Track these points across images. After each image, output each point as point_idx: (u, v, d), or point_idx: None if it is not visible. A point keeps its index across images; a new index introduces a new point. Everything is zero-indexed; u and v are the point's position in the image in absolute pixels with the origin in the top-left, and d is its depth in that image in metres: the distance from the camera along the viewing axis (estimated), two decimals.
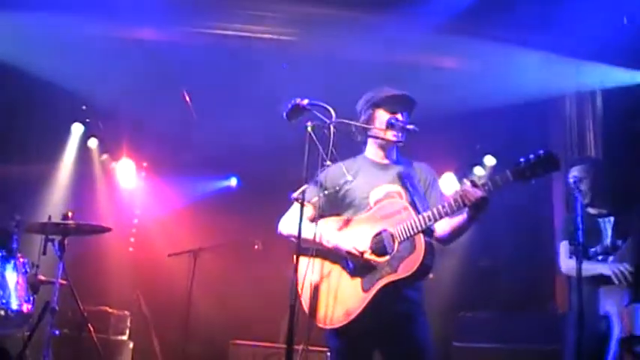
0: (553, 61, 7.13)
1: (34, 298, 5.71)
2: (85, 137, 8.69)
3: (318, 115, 3.73)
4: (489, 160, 8.52)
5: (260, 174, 8.19)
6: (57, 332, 5.74)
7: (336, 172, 3.99)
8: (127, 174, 8.90)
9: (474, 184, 3.63)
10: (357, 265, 3.80)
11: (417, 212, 3.79)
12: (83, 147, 8.71)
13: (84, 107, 8.39)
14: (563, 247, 5.29)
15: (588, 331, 4.67)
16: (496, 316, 6.94)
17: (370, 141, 4.17)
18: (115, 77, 7.41)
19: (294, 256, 3.64)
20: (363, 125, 4.06)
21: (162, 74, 7.55)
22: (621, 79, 7.07)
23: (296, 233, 3.68)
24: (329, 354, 4.03)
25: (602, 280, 4.97)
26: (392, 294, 3.73)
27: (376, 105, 4.08)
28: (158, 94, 7.71)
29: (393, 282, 3.70)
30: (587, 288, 4.93)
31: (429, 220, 3.71)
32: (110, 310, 7.20)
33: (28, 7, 6.73)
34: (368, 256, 3.77)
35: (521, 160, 3.52)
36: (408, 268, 3.68)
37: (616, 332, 4.90)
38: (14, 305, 5.48)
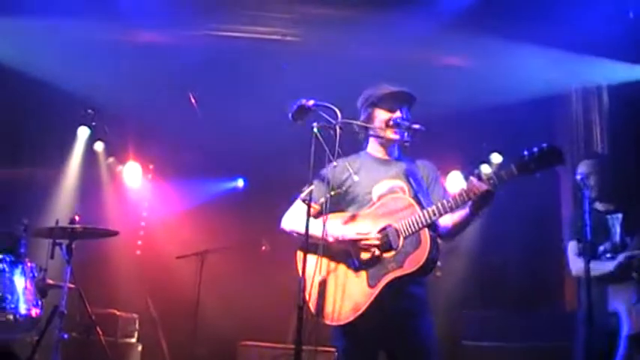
0: (559, 57, 7.11)
1: (42, 303, 5.71)
2: (92, 141, 8.68)
3: (324, 115, 3.72)
4: (496, 158, 8.50)
5: (267, 175, 8.18)
6: (65, 336, 5.76)
7: (340, 171, 3.99)
8: (133, 177, 8.90)
9: (479, 178, 3.64)
10: (362, 262, 3.81)
11: (421, 207, 3.79)
12: (89, 150, 8.70)
13: (90, 111, 8.38)
14: (572, 247, 5.26)
15: (598, 329, 4.66)
16: (505, 314, 6.94)
17: (372, 138, 4.17)
18: (121, 80, 7.41)
19: (301, 256, 3.65)
20: (366, 125, 4.06)
21: (168, 77, 7.55)
22: (627, 75, 7.05)
23: (298, 229, 3.74)
24: (336, 354, 4.01)
25: (611, 278, 4.96)
26: (397, 290, 3.74)
27: (374, 104, 4.10)
28: (164, 96, 7.71)
29: (398, 277, 3.70)
30: (597, 286, 4.90)
31: (434, 214, 3.71)
32: (118, 313, 7.21)
33: (35, 11, 6.75)
34: (373, 236, 3.76)
35: (525, 153, 3.55)
36: (414, 263, 3.69)
37: (625, 330, 4.89)
38: (23, 310, 5.48)
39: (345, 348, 3.89)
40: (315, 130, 3.69)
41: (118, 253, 8.21)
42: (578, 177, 4.89)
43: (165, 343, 7.86)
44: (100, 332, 6.26)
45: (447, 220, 3.89)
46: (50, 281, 5.90)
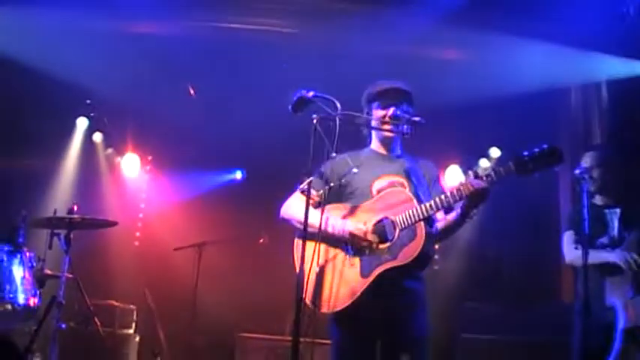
0: (558, 52, 7.10)
1: (40, 292, 5.70)
2: (90, 131, 8.70)
3: (324, 107, 3.73)
4: (495, 152, 8.52)
5: (265, 167, 8.18)
6: (63, 326, 5.77)
7: (341, 164, 4.01)
8: (132, 168, 8.90)
9: (476, 176, 3.66)
10: (356, 251, 3.83)
11: (420, 203, 3.80)
12: (88, 141, 8.71)
13: (88, 101, 8.39)
14: (568, 236, 5.28)
15: (595, 322, 4.68)
16: (503, 307, 6.95)
17: (374, 134, 4.22)
18: (120, 71, 7.41)
19: (299, 245, 3.66)
20: (365, 117, 4.07)
21: (167, 68, 7.54)
22: (626, 70, 7.05)
23: (298, 217, 3.77)
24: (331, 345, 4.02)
25: (608, 270, 4.97)
26: (392, 282, 3.76)
27: (370, 101, 4.15)
28: (163, 87, 7.70)
29: (392, 269, 3.72)
30: (593, 279, 4.92)
31: (431, 208, 3.73)
32: (116, 304, 7.21)
33: (33, 1, 6.74)
34: (370, 236, 3.79)
35: (525, 153, 3.56)
36: (407, 255, 3.72)
37: (621, 323, 4.90)
38: (21, 299, 5.48)
39: (340, 339, 3.90)
40: (315, 121, 3.69)
41: (116, 243, 8.22)
42: (577, 171, 4.90)
43: (162, 334, 7.86)
44: (98, 323, 6.28)
45: (441, 220, 3.94)
46: (48, 271, 5.90)
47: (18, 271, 5.54)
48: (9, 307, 5.40)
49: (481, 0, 6.72)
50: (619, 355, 4.86)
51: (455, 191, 3.70)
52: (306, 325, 3.57)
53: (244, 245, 7.57)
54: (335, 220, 3.87)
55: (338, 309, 3.78)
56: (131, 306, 7.37)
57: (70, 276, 5.86)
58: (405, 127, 4.05)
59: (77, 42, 7.13)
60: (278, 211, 4.15)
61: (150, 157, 9.04)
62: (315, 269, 3.77)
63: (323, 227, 3.75)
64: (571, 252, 5.23)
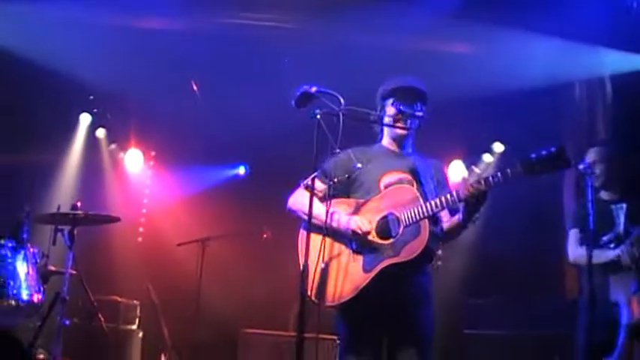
0: (562, 46, 7.08)
1: (44, 288, 5.70)
2: (93, 127, 8.70)
3: (327, 102, 3.72)
4: (498, 147, 8.51)
5: (268, 162, 8.18)
6: (67, 322, 5.78)
7: (344, 160, 4.01)
8: (135, 164, 8.91)
9: (478, 182, 3.66)
10: (359, 246, 3.84)
11: (426, 201, 3.80)
12: (91, 137, 8.72)
13: (91, 97, 8.39)
14: (573, 235, 5.27)
15: (600, 318, 4.68)
16: (506, 302, 6.94)
17: (385, 131, 4.21)
18: (123, 67, 7.40)
19: (304, 237, 3.66)
20: (370, 112, 4.06)
21: (170, 63, 7.54)
22: (631, 65, 7.03)
23: (304, 209, 3.76)
24: (338, 342, 4.03)
25: (612, 267, 4.96)
26: (397, 276, 3.76)
27: (385, 97, 4.14)
28: (166, 83, 7.70)
29: (394, 265, 3.73)
30: (598, 275, 4.91)
31: (436, 207, 3.74)
32: (120, 300, 7.22)
33: None
34: (371, 237, 3.80)
35: (533, 155, 3.55)
36: (410, 252, 3.72)
37: (624, 319, 4.90)
38: (25, 295, 5.48)
39: (347, 336, 3.91)
40: (318, 116, 3.68)
41: (120, 239, 8.23)
42: (581, 166, 4.88)
43: (166, 330, 7.85)
44: (102, 318, 6.29)
45: (446, 221, 3.97)
46: (52, 267, 5.91)
47: (22, 267, 5.54)
48: (13, 303, 5.40)
49: None
50: (622, 350, 4.86)
51: (458, 192, 3.70)
52: (310, 320, 3.57)
53: (247, 240, 7.56)
54: (339, 215, 3.88)
55: (340, 302, 3.79)
56: (135, 302, 7.38)
57: (74, 272, 5.85)
58: (409, 121, 4.07)
59: (80, 37, 7.13)
60: (282, 205, 4.15)
61: (153, 153, 9.04)
62: (320, 263, 3.77)
63: (328, 222, 3.76)
64: (575, 251, 5.22)
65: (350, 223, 3.83)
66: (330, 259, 3.86)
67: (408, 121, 4.07)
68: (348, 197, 4.02)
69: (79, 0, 6.81)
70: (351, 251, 3.86)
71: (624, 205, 5.14)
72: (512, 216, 7.62)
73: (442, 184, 4.12)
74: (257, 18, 7.45)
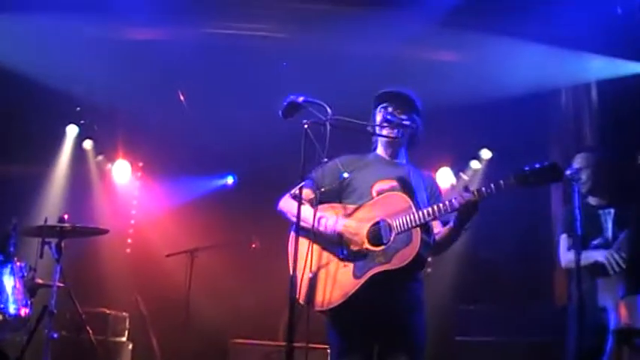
0: (548, 53, 7.12)
1: (31, 302, 5.68)
2: (80, 139, 8.66)
3: (314, 112, 3.72)
4: (486, 154, 8.53)
5: (257, 172, 8.18)
6: (55, 335, 5.75)
7: (332, 168, 4.01)
8: (123, 175, 8.88)
9: (471, 192, 3.69)
10: (350, 252, 3.83)
11: (418, 210, 3.81)
12: (78, 148, 8.68)
13: (78, 109, 8.36)
14: (564, 240, 5.29)
15: (589, 323, 4.69)
16: (497, 309, 6.95)
17: (379, 140, 4.23)
18: (110, 78, 7.38)
19: (293, 243, 3.66)
20: (357, 121, 4.06)
21: (157, 74, 7.53)
22: (616, 71, 7.06)
23: (293, 211, 3.76)
24: (329, 351, 4.02)
25: (599, 271, 4.97)
26: (386, 285, 3.75)
27: (374, 105, 4.18)
28: (153, 93, 7.68)
29: (385, 272, 3.72)
30: (587, 280, 4.93)
31: (428, 215, 3.74)
32: (108, 312, 7.17)
33: (23, 8, 6.71)
34: (361, 240, 3.80)
35: (526, 168, 3.61)
36: (402, 259, 3.71)
37: (612, 324, 4.91)
38: (12, 309, 5.45)
39: (338, 342, 3.90)
40: (306, 126, 3.68)
41: (108, 251, 8.20)
42: (568, 172, 4.90)
43: (155, 342, 7.83)
44: (90, 331, 6.24)
45: (438, 232, 3.99)
46: (39, 280, 5.86)
47: (9, 281, 5.52)
48: (0, 317, 5.37)
49: (471, 2, 6.72)
50: (611, 356, 4.87)
51: (451, 202, 3.72)
52: (299, 330, 3.55)
53: (236, 251, 7.54)
54: (327, 219, 3.88)
55: (329, 308, 3.77)
56: (124, 313, 7.33)
57: (62, 285, 5.82)
58: (398, 131, 4.09)
59: (66, 48, 7.10)
60: (271, 215, 4.14)
61: (141, 164, 9.02)
62: (310, 269, 3.77)
63: (316, 226, 3.76)
64: (566, 256, 5.24)
65: (337, 227, 3.83)
66: (320, 264, 3.85)
67: (395, 130, 4.08)
68: (340, 203, 4.01)
69: (65, 11, 6.78)
70: (341, 257, 3.85)
71: (612, 211, 5.16)
72: (502, 223, 7.64)
73: (435, 195, 4.12)
74: (246, 28, 7.46)
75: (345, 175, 3.98)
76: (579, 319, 4.56)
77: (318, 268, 3.84)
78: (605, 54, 7.08)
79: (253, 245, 7.17)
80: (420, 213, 3.74)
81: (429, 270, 7.70)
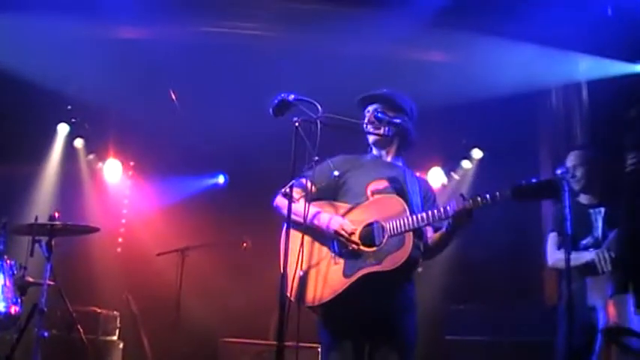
0: (538, 53, 7.14)
1: (21, 300, 5.66)
2: (71, 137, 8.63)
3: (305, 110, 3.72)
4: (477, 154, 8.54)
5: (248, 171, 8.17)
6: (46, 334, 5.72)
7: (323, 168, 4.02)
8: (113, 174, 8.85)
9: (467, 200, 3.74)
10: (342, 250, 3.83)
11: (412, 214, 3.83)
12: (69, 147, 8.65)
13: (69, 107, 8.34)
14: (552, 238, 5.30)
15: (579, 323, 4.70)
16: (488, 309, 6.96)
17: (370, 140, 4.24)
18: (101, 77, 7.36)
19: (284, 241, 3.66)
20: (349, 120, 4.07)
21: (148, 73, 7.51)
22: (606, 70, 7.09)
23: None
24: (320, 350, 4.02)
25: (588, 270, 4.98)
26: (377, 285, 3.76)
27: (363, 106, 4.24)
28: (144, 92, 7.66)
29: (375, 273, 3.73)
30: (576, 280, 4.94)
31: (422, 220, 3.78)
32: (99, 311, 7.14)
33: (13, 7, 6.69)
34: (355, 239, 3.81)
35: (523, 182, 3.66)
36: (393, 262, 3.74)
37: (601, 323, 4.92)
38: (1, 308, 5.43)
39: (329, 340, 3.91)
40: (296, 125, 3.68)
41: (99, 250, 8.17)
42: (559, 171, 4.91)
43: (146, 341, 7.81)
44: (81, 330, 6.21)
45: (430, 237, 4.03)
46: (30, 279, 5.83)
47: None
48: None
49: (460, 2, 6.74)
50: (600, 354, 4.88)
51: (446, 208, 3.75)
52: (290, 329, 3.56)
53: (227, 250, 7.54)
54: (321, 214, 3.89)
55: (320, 304, 3.78)
56: (114, 312, 7.30)
57: (52, 283, 5.80)
58: (386, 129, 4.09)
59: (57, 47, 7.08)
60: (262, 215, 4.16)
61: (132, 163, 9.00)
62: (301, 264, 3.78)
63: (309, 220, 3.77)
64: (554, 255, 5.25)
65: (332, 223, 3.84)
66: (312, 260, 3.87)
67: (385, 128, 4.10)
68: (335, 200, 4.03)
69: (56, 10, 6.76)
70: (333, 254, 3.86)
71: (602, 210, 5.17)
72: (492, 222, 7.66)
73: (430, 200, 4.15)
74: (236, 27, 7.45)
75: (336, 173, 3.99)
76: (568, 318, 4.57)
77: (310, 266, 3.85)
78: (595, 54, 7.10)
79: (244, 245, 7.16)
80: (415, 217, 3.77)
81: (419, 269, 7.71)
